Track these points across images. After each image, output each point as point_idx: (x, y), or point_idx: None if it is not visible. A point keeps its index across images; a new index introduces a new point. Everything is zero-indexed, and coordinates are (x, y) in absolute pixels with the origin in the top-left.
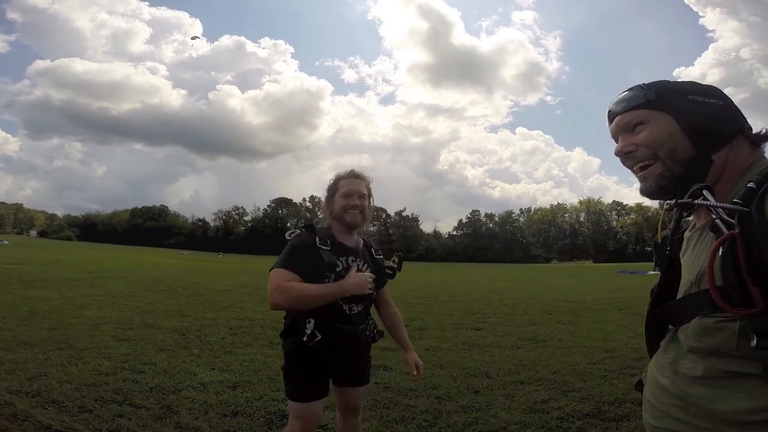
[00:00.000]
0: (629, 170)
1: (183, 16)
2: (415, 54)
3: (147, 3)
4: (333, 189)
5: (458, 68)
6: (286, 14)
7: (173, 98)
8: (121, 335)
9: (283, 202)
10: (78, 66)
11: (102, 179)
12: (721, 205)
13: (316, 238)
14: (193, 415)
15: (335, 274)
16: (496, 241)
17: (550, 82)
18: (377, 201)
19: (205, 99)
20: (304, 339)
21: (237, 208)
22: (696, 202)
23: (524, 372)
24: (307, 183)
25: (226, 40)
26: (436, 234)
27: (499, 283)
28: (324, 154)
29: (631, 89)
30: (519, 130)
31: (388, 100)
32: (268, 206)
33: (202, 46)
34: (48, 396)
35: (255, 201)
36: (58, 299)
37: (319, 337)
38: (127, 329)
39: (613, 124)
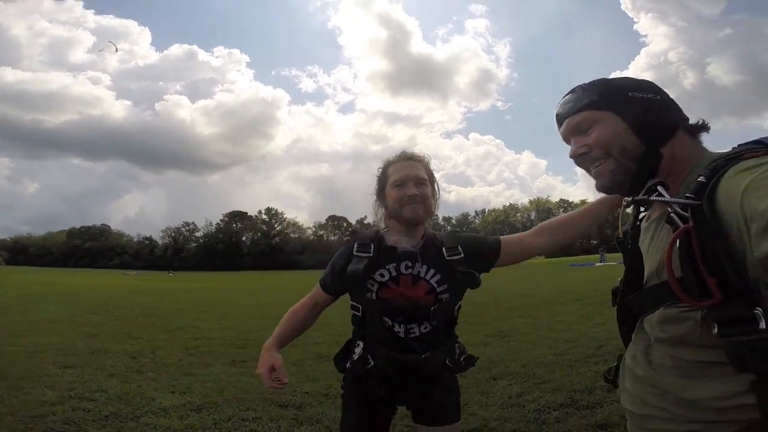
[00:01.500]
0: (582, 170)
1: (131, 24)
2: (375, 62)
3: (93, 11)
4: (383, 180)
5: (416, 76)
6: (241, 23)
7: (116, 109)
8: (64, 362)
9: (237, 216)
10: (9, 76)
11: (34, 198)
12: (675, 200)
13: (355, 244)
14: None
15: (378, 285)
16: None
17: (500, 88)
18: (340, 211)
19: (151, 110)
20: (348, 366)
21: (187, 224)
22: (651, 198)
23: (495, 368)
24: (262, 195)
25: (176, 49)
26: None
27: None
28: (280, 164)
29: (573, 91)
30: (472, 135)
31: (347, 108)
32: (221, 221)
33: (150, 55)
34: None
35: (207, 216)
36: None
37: (372, 363)
38: (70, 355)
39: (563, 127)
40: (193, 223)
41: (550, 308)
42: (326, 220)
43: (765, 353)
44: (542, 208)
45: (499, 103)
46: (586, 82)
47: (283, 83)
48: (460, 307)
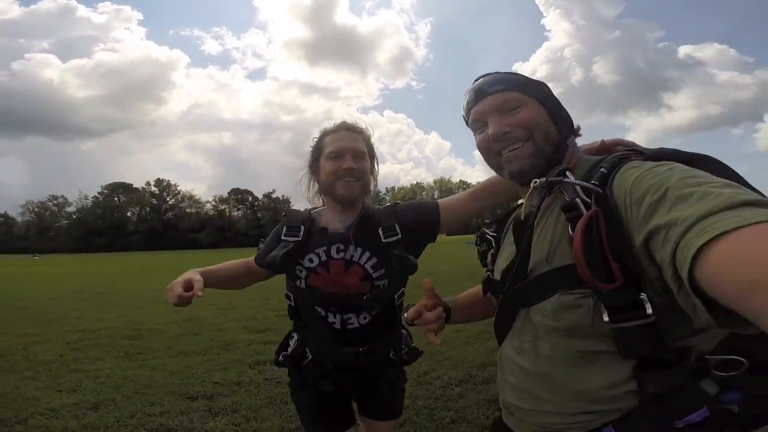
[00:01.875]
0: (491, 154)
1: None
2: (294, 29)
3: None
4: (317, 150)
5: (337, 47)
6: None
7: None
8: None
9: (120, 188)
10: None
11: None
12: (586, 184)
13: (284, 227)
14: None
15: (306, 271)
16: None
17: (416, 67)
18: (244, 183)
19: (6, 69)
20: (280, 360)
21: (54, 198)
22: (565, 180)
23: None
24: (151, 164)
25: (48, 4)
26: None
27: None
28: (174, 131)
29: (492, 74)
30: (386, 112)
31: (257, 75)
32: (99, 193)
33: (12, 10)
34: None
35: (81, 188)
36: None
37: (309, 357)
38: None
39: (485, 103)
40: (62, 196)
41: (448, 285)
42: (228, 193)
43: (648, 338)
44: (445, 188)
45: (414, 83)
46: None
47: (182, 44)
48: (403, 293)
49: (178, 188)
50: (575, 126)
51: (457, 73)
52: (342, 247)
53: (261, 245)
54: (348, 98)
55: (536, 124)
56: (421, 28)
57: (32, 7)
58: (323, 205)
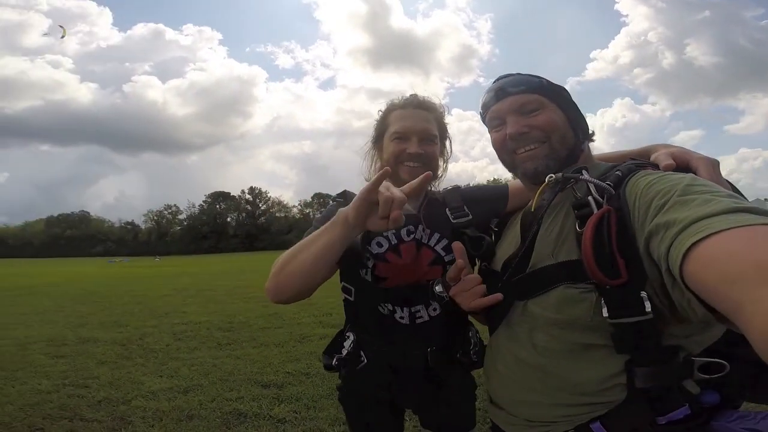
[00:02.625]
0: (506, 152)
1: (89, 5)
2: (355, 37)
3: None
4: (382, 127)
5: (397, 51)
6: (210, 0)
7: (82, 93)
8: (55, 352)
9: (220, 197)
10: None
11: (4, 187)
12: (600, 183)
13: None
14: (148, 423)
15: (374, 259)
16: None
17: (482, 64)
18: (325, 188)
19: (119, 92)
20: (333, 363)
21: (169, 207)
22: (581, 177)
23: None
24: (244, 174)
25: (141, 29)
26: None
27: None
28: (261, 142)
29: (519, 74)
30: (455, 111)
31: (328, 84)
32: (204, 202)
33: (113, 36)
34: None
35: (189, 197)
36: None
37: (365, 361)
38: (60, 345)
39: (506, 103)
40: (175, 205)
41: None
42: (312, 197)
43: (644, 335)
44: None
45: (482, 79)
46: (566, 64)
47: (258, 60)
48: None
49: (269, 195)
50: (590, 131)
51: (528, 64)
52: (412, 228)
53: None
54: None
55: (554, 127)
56: (482, 24)
57: (129, 32)
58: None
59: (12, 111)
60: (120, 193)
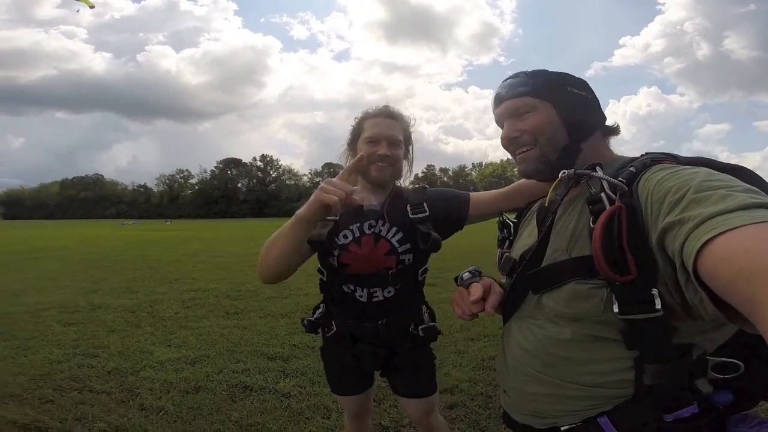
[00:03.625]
0: (509, 153)
1: None
2: (371, 10)
3: None
4: (357, 131)
5: (414, 25)
6: None
7: (96, 62)
8: (67, 320)
9: (231, 163)
10: None
11: (21, 152)
12: (612, 180)
13: None
14: (155, 395)
15: (339, 249)
16: None
17: (503, 43)
18: (336, 158)
19: (133, 61)
20: (304, 323)
21: (181, 171)
22: (593, 174)
23: (474, 328)
24: (257, 142)
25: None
26: None
27: (454, 238)
28: (274, 112)
29: (516, 76)
30: (471, 89)
31: (342, 56)
32: (215, 167)
33: (127, 7)
34: (3, 390)
35: (201, 163)
36: None
37: (334, 329)
38: (72, 312)
39: (500, 108)
40: (187, 170)
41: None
42: (322, 167)
43: (654, 332)
44: None
45: (502, 58)
46: (588, 49)
47: (273, 30)
48: (426, 270)
49: (280, 163)
50: (614, 125)
51: (552, 47)
52: (373, 222)
53: None
54: (429, 75)
55: (541, 130)
56: (505, 3)
57: (142, 2)
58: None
59: (27, 80)
60: (133, 158)
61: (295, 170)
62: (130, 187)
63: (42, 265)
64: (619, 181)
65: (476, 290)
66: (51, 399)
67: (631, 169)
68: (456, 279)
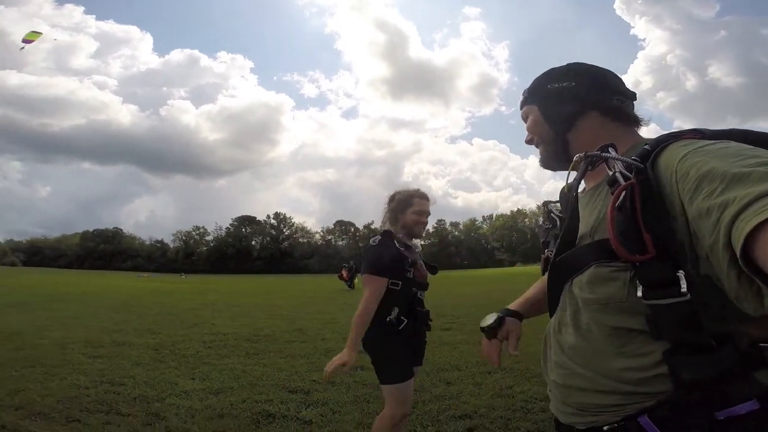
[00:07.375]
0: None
1: (132, 29)
2: (375, 67)
3: (94, 16)
4: (407, 203)
5: (417, 81)
6: (242, 29)
7: (122, 114)
8: (92, 353)
9: (246, 221)
10: (14, 79)
11: (46, 201)
12: (624, 158)
13: (395, 242)
14: (181, 419)
15: (410, 266)
16: (462, 248)
17: (502, 92)
18: (347, 215)
19: (156, 115)
20: (387, 320)
21: (197, 228)
22: (603, 155)
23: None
24: (270, 200)
25: (178, 54)
26: None
27: (466, 288)
28: (287, 170)
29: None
30: (475, 140)
31: (350, 113)
32: (230, 225)
33: (152, 60)
34: (32, 409)
35: (216, 220)
36: (17, 322)
37: (406, 321)
38: (97, 347)
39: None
40: (203, 227)
41: None
42: (334, 225)
43: (681, 319)
44: None
45: (503, 108)
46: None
47: (285, 88)
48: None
49: (293, 221)
50: (617, 102)
51: None
52: (419, 256)
53: (378, 264)
54: (434, 129)
55: (534, 131)
56: (499, 52)
57: (166, 57)
58: (398, 233)
59: (59, 128)
60: (151, 213)
61: (308, 228)
62: (147, 242)
63: (64, 306)
64: (633, 159)
65: (491, 357)
66: (78, 419)
67: (646, 146)
68: (482, 329)
